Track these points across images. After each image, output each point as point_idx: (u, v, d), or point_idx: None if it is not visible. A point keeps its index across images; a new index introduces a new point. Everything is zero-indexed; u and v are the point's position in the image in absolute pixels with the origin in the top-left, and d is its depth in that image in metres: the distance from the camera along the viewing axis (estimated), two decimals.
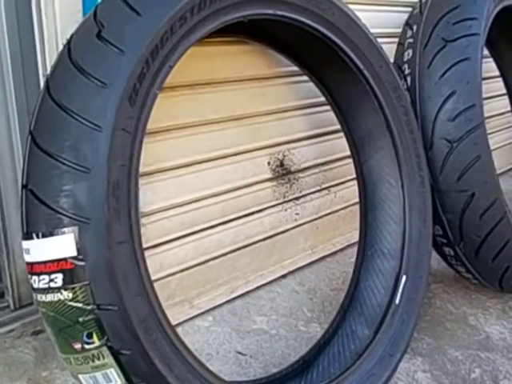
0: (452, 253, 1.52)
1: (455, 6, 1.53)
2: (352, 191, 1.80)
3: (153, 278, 0.89)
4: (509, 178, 2.65)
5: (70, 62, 0.84)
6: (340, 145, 1.67)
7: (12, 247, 1.29)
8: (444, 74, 1.46)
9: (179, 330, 1.39)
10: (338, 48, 1.27)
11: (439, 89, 1.45)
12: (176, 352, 0.86)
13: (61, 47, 0.90)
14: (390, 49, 1.53)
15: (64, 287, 0.78)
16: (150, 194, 1.31)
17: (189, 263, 1.44)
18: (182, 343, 0.89)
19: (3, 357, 1.24)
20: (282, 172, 1.64)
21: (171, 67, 0.92)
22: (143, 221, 1.30)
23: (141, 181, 1.26)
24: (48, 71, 0.90)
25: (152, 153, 1.27)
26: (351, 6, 1.31)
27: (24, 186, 0.81)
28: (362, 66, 1.31)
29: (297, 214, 1.73)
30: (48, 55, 1.08)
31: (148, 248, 1.32)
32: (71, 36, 0.89)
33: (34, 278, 0.80)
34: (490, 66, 2.25)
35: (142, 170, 1.23)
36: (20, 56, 1.14)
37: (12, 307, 1.35)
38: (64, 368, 1.20)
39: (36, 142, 0.81)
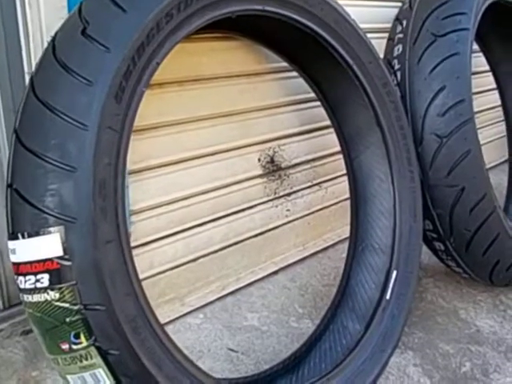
0: (442, 247, 1.53)
1: (445, 0, 1.53)
2: (343, 187, 1.80)
3: (143, 276, 0.89)
4: (499, 172, 2.66)
5: (54, 60, 0.83)
6: (330, 140, 1.66)
7: (0, 246, 1.28)
8: (434, 69, 1.46)
9: (170, 327, 1.39)
10: (327, 44, 1.27)
11: (429, 84, 1.46)
12: (165, 351, 0.86)
13: (46, 44, 0.89)
14: (379, 44, 1.52)
15: (50, 287, 0.77)
16: (139, 192, 1.30)
17: (179, 261, 1.43)
18: (171, 342, 0.88)
19: None
20: (273, 168, 1.64)
21: (158, 64, 0.92)
22: (132, 219, 1.30)
23: (130, 178, 1.26)
24: (33, 69, 0.88)
25: (140, 150, 1.26)
26: (340, 1, 1.30)
27: (9, 186, 0.80)
28: (351, 62, 1.30)
29: (288, 210, 1.72)
30: (33, 52, 1.07)
31: (137, 246, 1.31)
32: (56, 33, 0.88)
33: (20, 278, 0.79)
34: (479, 61, 2.25)
35: (130, 167, 1.24)
36: (5, 53, 1.12)
37: (1, 307, 1.33)
38: (54, 368, 1.19)
39: (21, 141, 0.80)
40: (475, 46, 2.00)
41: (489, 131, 2.59)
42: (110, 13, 0.86)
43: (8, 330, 1.30)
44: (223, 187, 1.49)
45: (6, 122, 1.17)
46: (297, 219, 1.76)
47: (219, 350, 1.34)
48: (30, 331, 1.30)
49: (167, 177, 1.35)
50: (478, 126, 1.47)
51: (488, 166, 1.53)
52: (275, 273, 1.70)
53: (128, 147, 0.87)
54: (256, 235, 1.63)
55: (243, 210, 1.57)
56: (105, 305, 0.78)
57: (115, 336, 0.79)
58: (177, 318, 1.43)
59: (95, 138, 0.80)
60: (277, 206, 1.69)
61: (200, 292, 1.51)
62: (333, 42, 1.27)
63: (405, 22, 1.60)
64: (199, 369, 0.93)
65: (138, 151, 1.25)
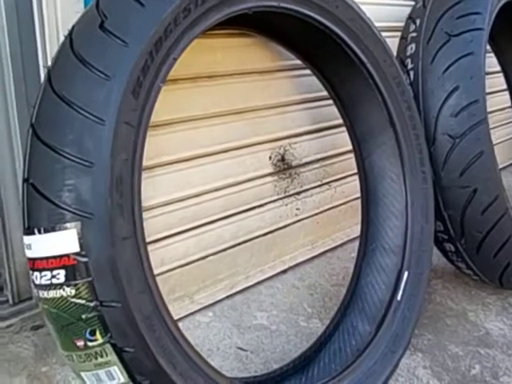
0: (453, 249, 1.52)
1: (459, 0, 1.52)
2: (352, 186, 1.79)
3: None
4: (508, 173, 2.65)
5: (72, 54, 0.82)
6: (341, 139, 1.66)
7: (11, 241, 1.28)
8: (447, 68, 1.45)
9: (180, 325, 1.38)
10: (341, 41, 1.26)
11: (442, 84, 1.44)
12: (179, 349, 0.85)
13: (62, 38, 0.88)
14: (392, 43, 1.51)
15: (66, 283, 0.76)
16: (151, 189, 1.29)
17: (189, 258, 1.43)
18: (186, 340, 0.88)
19: (2, 352, 1.22)
20: (284, 167, 1.63)
21: (175, 59, 0.91)
22: (144, 215, 1.29)
23: (142, 175, 1.24)
24: (48, 62, 0.88)
25: (153, 146, 1.25)
26: None
27: (25, 180, 0.80)
28: (365, 60, 1.29)
29: (297, 209, 1.72)
30: (49, 46, 1.06)
31: (149, 243, 1.30)
32: (73, 27, 0.87)
33: (36, 273, 0.78)
34: (490, 61, 2.24)
35: (143, 164, 1.23)
36: (19, 47, 1.12)
37: (11, 302, 1.33)
38: (64, 363, 1.19)
39: (38, 136, 0.79)
40: (487, 47, 1.99)
41: (498, 132, 2.58)
42: (129, 7, 0.86)
43: (18, 325, 1.30)
44: (234, 185, 1.49)
45: (19, 116, 1.17)
46: (306, 218, 1.75)
47: (228, 348, 1.33)
48: (40, 326, 1.30)
49: (179, 174, 1.34)
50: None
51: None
52: (284, 272, 1.69)
53: (145, 143, 0.86)
54: (266, 233, 1.63)
55: (253, 208, 1.57)
56: (121, 302, 0.77)
57: (131, 333, 0.78)
58: (186, 316, 1.43)
59: (112, 133, 0.79)
60: (287, 205, 1.68)
61: (209, 290, 1.50)
62: (348, 40, 1.26)
63: (418, 21, 1.59)
64: (213, 368, 0.92)
65: (151, 147, 1.23)
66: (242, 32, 1.35)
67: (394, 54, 1.54)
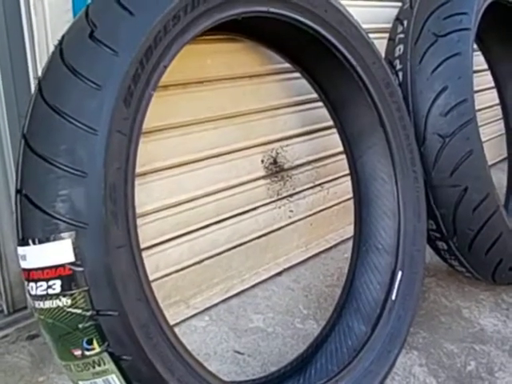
0: (445, 247, 1.53)
1: (445, 0, 1.54)
2: (345, 187, 1.80)
3: None
4: (497, 170, 2.67)
5: (62, 64, 0.82)
6: (332, 141, 1.67)
7: (4, 251, 1.27)
8: (436, 69, 1.46)
9: (176, 330, 1.37)
10: (330, 45, 1.27)
11: (431, 84, 1.46)
12: (177, 355, 0.85)
13: (51, 48, 0.88)
14: (380, 44, 1.52)
15: (62, 293, 0.76)
16: (144, 195, 1.29)
17: (184, 263, 1.43)
18: (183, 346, 0.88)
19: None
20: (276, 169, 1.64)
21: (165, 67, 0.91)
22: (138, 222, 1.29)
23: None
24: (38, 72, 0.88)
25: (145, 153, 1.26)
26: (341, 1, 1.30)
27: (18, 191, 0.79)
28: (354, 63, 1.30)
29: (291, 211, 1.72)
30: (38, 56, 1.06)
31: (143, 249, 1.30)
32: (63, 37, 0.87)
33: (32, 284, 0.78)
34: (477, 59, 2.26)
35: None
36: (9, 57, 1.11)
37: (6, 312, 1.32)
38: (61, 372, 1.18)
39: (30, 146, 0.79)
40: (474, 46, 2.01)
41: (487, 130, 2.60)
42: (118, 16, 0.86)
43: (13, 335, 1.29)
44: (227, 189, 1.49)
45: (10, 125, 1.16)
46: (299, 220, 1.76)
47: (225, 352, 1.34)
48: (36, 336, 1.30)
49: (171, 179, 1.34)
50: None
51: None
52: (279, 274, 1.70)
53: (137, 151, 0.86)
54: (260, 236, 1.63)
55: (247, 211, 1.57)
56: (117, 310, 0.77)
57: (128, 341, 0.78)
58: (182, 321, 1.43)
59: (105, 142, 0.79)
60: (280, 207, 1.69)
61: (205, 294, 1.50)
62: (336, 43, 1.27)
63: (406, 22, 1.60)
64: (211, 373, 0.93)
65: (143, 154, 1.24)
66: (231, 37, 1.36)
67: (383, 55, 1.55)
